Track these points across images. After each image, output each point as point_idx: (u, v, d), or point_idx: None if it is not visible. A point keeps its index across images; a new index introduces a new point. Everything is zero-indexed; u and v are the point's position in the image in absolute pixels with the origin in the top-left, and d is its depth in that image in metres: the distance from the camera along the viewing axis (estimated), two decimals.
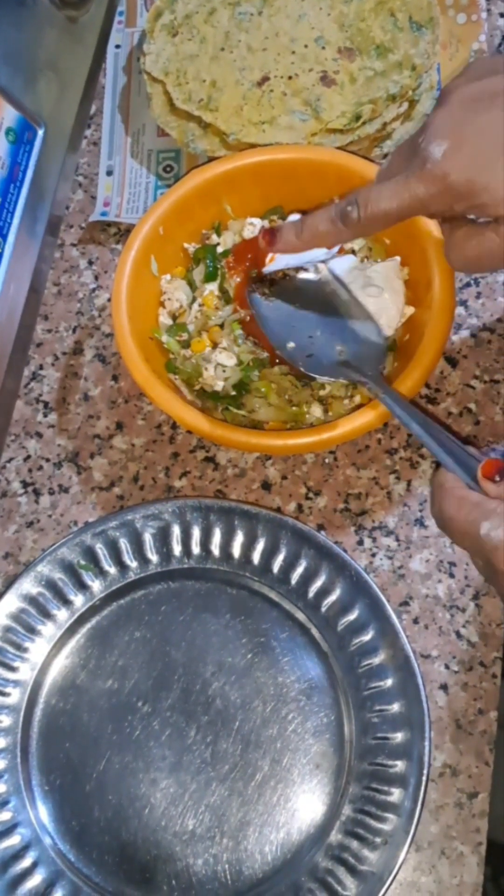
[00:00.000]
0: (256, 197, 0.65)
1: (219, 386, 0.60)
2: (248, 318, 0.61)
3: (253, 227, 0.64)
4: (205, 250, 0.64)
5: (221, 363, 0.60)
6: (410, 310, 0.60)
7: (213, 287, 0.63)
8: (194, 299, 0.64)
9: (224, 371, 0.60)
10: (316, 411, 0.59)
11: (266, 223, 0.65)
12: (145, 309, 0.63)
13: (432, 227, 0.59)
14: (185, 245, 0.65)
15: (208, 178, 0.63)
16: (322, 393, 0.59)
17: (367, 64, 0.65)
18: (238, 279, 0.63)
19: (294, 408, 0.59)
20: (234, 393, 0.60)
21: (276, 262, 0.61)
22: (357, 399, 0.59)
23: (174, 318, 0.64)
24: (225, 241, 0.65)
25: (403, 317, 0.60)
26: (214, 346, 0.61)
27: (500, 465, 0.45)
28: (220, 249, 0.64)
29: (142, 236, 0.62)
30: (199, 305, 0.63)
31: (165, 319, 0.64)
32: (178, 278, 0.65)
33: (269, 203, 0.65)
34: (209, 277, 0.63)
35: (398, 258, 0.61)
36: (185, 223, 0.64)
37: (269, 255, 0.61)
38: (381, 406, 0.55)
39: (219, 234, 0.65)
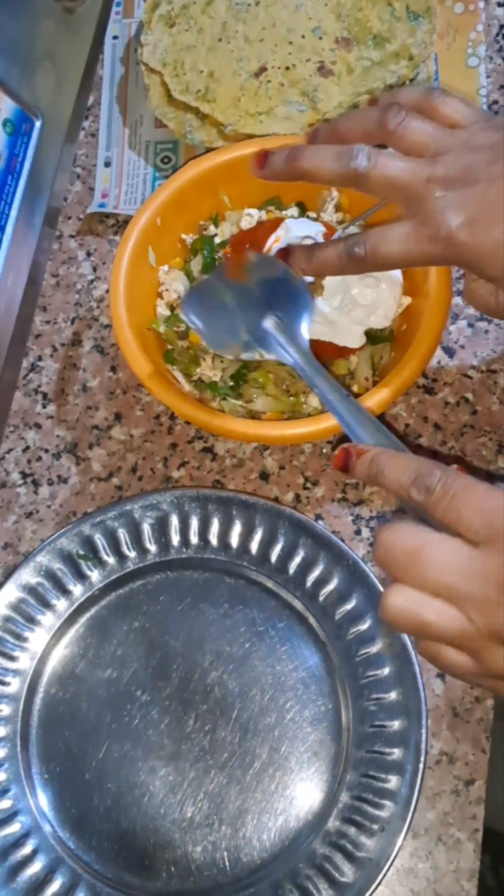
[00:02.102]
0: (254, 187, 0.65)
1: (216, 376, 0.60)
2: None
3: (250, 217, 0.64)
4: (202, 241, 0.64)
5: (220, 354, 0.61)
6: (407, 300, 0.60)
7: None
8: None
9: (221, 362, 0.60)
10: (313, 401, 0.59)
11: (264, 214, 0.65)
12: (143, 300, 0.63)
13: None
14: (183, 236, 0.66)
15: (206, 168, 0.63)
16: None
17: (364, 54, 0.65)
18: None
19: (291, 398, 0.59)
20: (231, 383, 0.60)
21: (274, 253, 0.61)
22: (354, 389, 0.60)
23: (172, 308, 0.64)
24: (223, 232, 0.65)
25: (401, 307, 0.60)
26: None
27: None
28: (217, 240, 0.64)
29: (139, 227, 0.62)
30: None
31: (163, 310, 0.64)
32: (176, 269, 0.65)
33: (267, 194, 0.65)
34: (207, 268, 0.63)
35: None
36: (182, 214, 0.64)
37: (267, 246, 0.62)
38: (379, 395, 0.55)
39: (216, 225, 0.65)
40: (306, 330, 0.54)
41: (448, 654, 0.41)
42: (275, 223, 0.62)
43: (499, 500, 0.39)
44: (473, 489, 0.40)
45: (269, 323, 0.54)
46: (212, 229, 0.65)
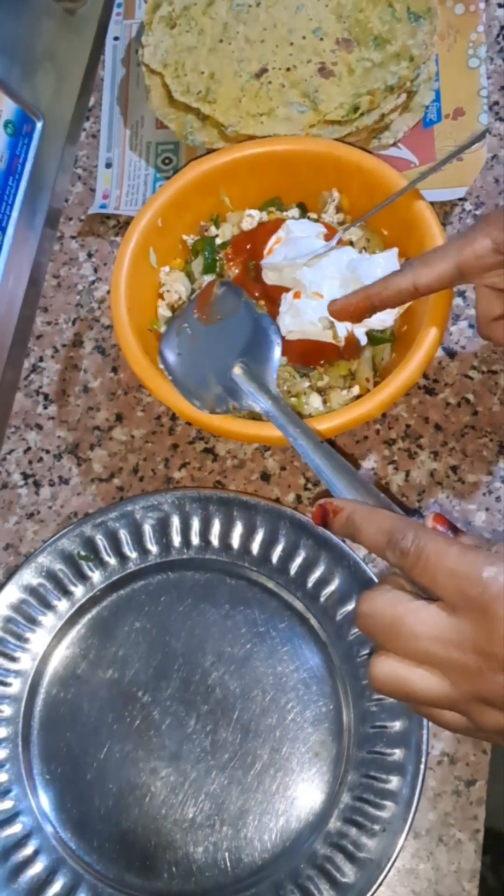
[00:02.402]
0: (255, 188, 0.65)
1: None
2: None
3: (251, 218, 0.65)
4: (203, 242, 0.64)
5: None
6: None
7: (211, 279, 0.63)
8: (193, 291, 0.64)
9: None
10: (314, 402, 0.59)
11: (265, 215, 0.65)
12: (144, 301, 0.63)
13: (429, 216, 0.59)
14: (184, 237, 0.66)
15: (206, 169, 0.64)
16: (320, 384, 0.60)
17: (365, 55, 0.65)
18: (237, 271, 0.63)
19: (292, 398, 0.59)
20: None
21: (275, 254, 0.61)
22: (356, 390, 0.60)
23: (173, 309, 0.64)
24: (223, 233, 0.65)
25: (402, 308, 0.60)
26: None
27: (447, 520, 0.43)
28: (218, 241, 0.64)
29: (140, 228, 0.62)
30: None
31: (164, 311, 0.64)
32: (177, 270, 0.65)
33: (268, 194, 0.66)
34: (208, 269, 0.63)
35: (396, 249, 0.61)
36: (183, 215, 0.65)
37: (268, 247, 0.62)
38: (380, 396, 0.55)
39: (217, 226, 0.65)
40: (274, 372, 0.53)
41: (440, 716, 0.41)
42: (276, 224, 0.62)
43: (471, 564, 0.38)
44: (446, 553, 0.39)
45: (237, 371, 0.53)
46: (213, 230, 0.65)
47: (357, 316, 0.57)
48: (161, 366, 0.57)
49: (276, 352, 0.53)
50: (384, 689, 0.41)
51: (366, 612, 0.41)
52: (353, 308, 0.57)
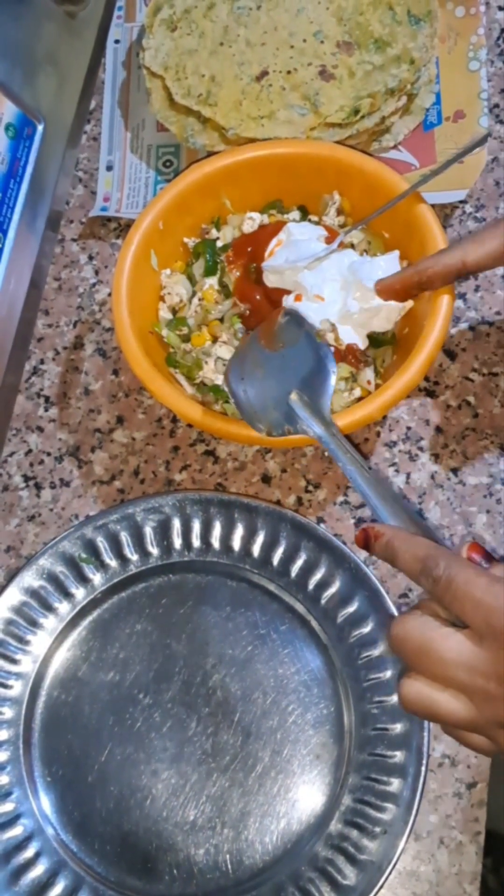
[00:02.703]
0: (256, 191, 0.65)
1: (219, 380, 0.60)
2: (247, 311, 0.62)
3: (252, 221, 0.65)
4: (204, 245, 0.64)
5: (221, 357, 0.61)
6: (409, 303, 0.60)
7: (212, 281, 0.63)
8: (194, 294, 0.64)
9: (224, 365, 0.60)
10: None
11: (265, 217, 0.65)
12: (145, 304, 0.63)
13: (431, 218, 0.59)
14: (185, 240, 0.66)
15: (207, 172, 0.64)
16: None
17: (365, 58, 0.66)
18: (238, 273, 0.63)
19: None
20: None
21: (276, 256, 0.61)
22: (357, 392, 0.60)
23: (174, 312, 0.64)
24: (224, 236, 0.65)
25: (403, 310, 0.60)
26: (214, 340, 0.61)
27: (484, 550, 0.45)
28: (219, 244, 0.64)
29: (141, 231, 0.62)
30: (199, 300, 0.63)
31: (165, 314, 0.64)
32: (178, 273, 0.65)
33: (269, 197, 0.66)
34: (209, 272, 0.63)
35: (397, 252, 0.61)
36: (184, 218, 0.65)
37: (269, 250, 0.62)
38: (382, 398, 0.55)
39: (218, 229, 0.65)
40: (329, 400, 0.54)
41: (466, 737, 0.43)
42: (277, 226, 0.62)
43: (498, 596, 0.40)
44: (474, 583, 0.41)
45: (294, 397, 0.54)
46: (214, 233, 0.65)
47: (404, 294, 0.58)
48: (226, 387, 0.58)
49: (332, 380, 0.55)
50: (412, 709, 0.43)
51: (397, 634, 0.43)
52: (401, 285, 0.57)
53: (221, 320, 0.62)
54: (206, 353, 0.61)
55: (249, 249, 0.63)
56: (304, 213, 0.65)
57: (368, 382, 0.60)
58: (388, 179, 0.61)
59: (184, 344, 0.62)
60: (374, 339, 0.60)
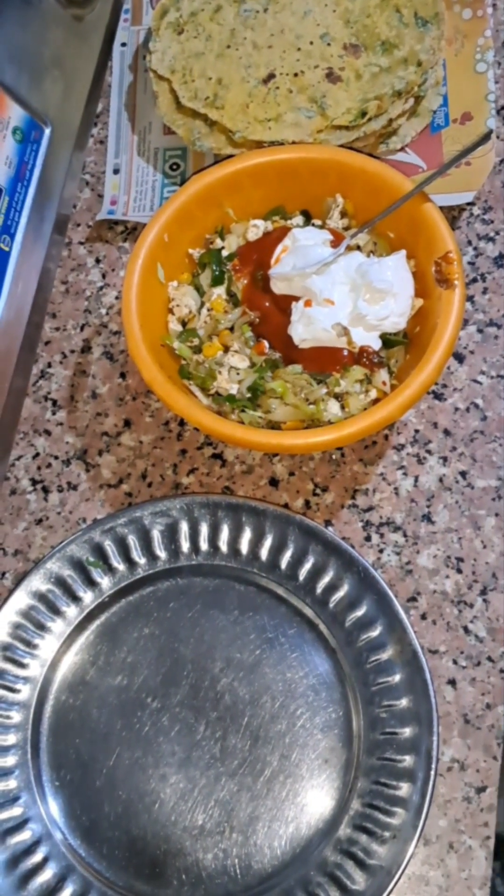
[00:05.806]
0: (257, 198, 0.65)
1: (233, 389, 0.60)
2: (257, 319, 0.61)
3: (256, 228, 0.64)
4: (210, 255, 0.64)
5: (234, 366, 0.60)
6: (419, 302, 0.60)
7: (220, 291, 0.63)
8: (203, 304, 0.64)
9: (238, 374, 0.60)
10: (333, 408, 0.59)
11: (269, 224, 0.65)
12: (155, 317, 0.62)
13: (437, 217, 0.59)
14: (190, 251, 0.65)
15: (208, 182, 0.63)
16: (338, 389, 0.59)
17: (372, 60, 0.65)
18: (245, 281, 0.63)
19: (311, 406, 0.59)
20: (249, 395, 0.59)
21: (282, 263, 0.61)
22: (373, 394, 0.59)
23: (184, 323, 0.64)
24: (229, 245, 0.65)
25: (413, 309, 0.60)
26: (226, 349, 0.61)
27: None
28: (224, 253, 0.64)
29: (147, 244, 0.62)
30: (208, 310, 0.63)
31: (175, 326, 0.64)
32: (185, 284, 0.65)
33: (271, 204, 0.65)
34: (216, 281, 0.63)
35: (404, 251, 0.60)
36: (188, 229, 0.64)
37: (275, 257, 0.62)
38: (399, 399, 0.54)
39: (223, 238, 0.65)
40: None
41: None
42: (282, 232, 0.62)
43: None
44: None
45: None
46: (218, 242, 0.65)
47: None
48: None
49: None
50: None
51: None
52: None
53: (232, 329, 0.62)
54: (219, 362, 0.61)
55: (255, 257, 0.63)
56: (308, 218, 0.65)
57: (384, 383, 0.59)
58: (390, 180, 0.61)
59: (196, 355, 0.62)
60: (387, 340, 0.60)
